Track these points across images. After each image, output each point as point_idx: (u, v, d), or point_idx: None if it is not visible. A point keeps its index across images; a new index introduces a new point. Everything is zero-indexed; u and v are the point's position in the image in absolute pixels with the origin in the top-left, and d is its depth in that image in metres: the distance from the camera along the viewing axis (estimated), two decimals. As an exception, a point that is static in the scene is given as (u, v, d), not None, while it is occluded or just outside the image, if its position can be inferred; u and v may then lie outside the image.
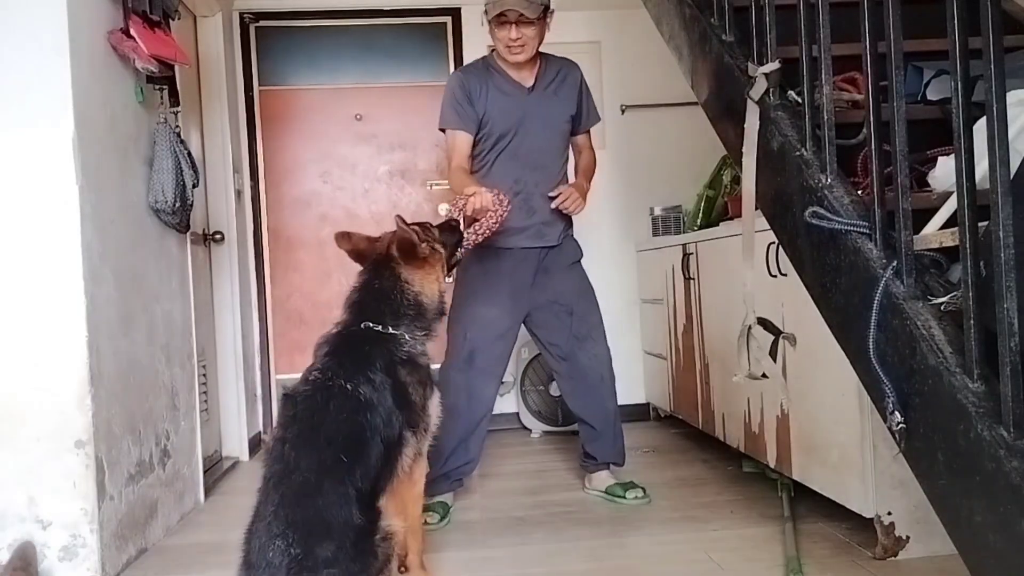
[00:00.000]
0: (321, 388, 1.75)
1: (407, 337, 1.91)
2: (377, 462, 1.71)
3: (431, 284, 2.00)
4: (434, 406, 1.97)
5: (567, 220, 2.82)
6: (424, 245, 1.97)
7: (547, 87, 2.76)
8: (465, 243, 2.28)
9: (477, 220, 2.37)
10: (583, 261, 2.87)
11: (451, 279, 2.44)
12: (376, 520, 1.67)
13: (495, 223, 2.39)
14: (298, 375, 1.88)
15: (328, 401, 1.72)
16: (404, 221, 1.95)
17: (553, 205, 2.68)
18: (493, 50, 2.77)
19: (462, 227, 2.31)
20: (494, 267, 2.70)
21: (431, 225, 2.16)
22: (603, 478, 2.82)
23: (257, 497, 1.68)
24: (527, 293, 2.74)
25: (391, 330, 1.89)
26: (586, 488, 2.88)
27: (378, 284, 1.95)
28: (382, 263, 1.97)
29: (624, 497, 2.70)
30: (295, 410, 1.73)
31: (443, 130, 2.76)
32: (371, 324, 1.89)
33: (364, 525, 1.62)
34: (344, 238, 2.07)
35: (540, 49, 2.74)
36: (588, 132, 2.91)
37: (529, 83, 2.74)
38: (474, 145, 2.72)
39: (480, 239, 2.36)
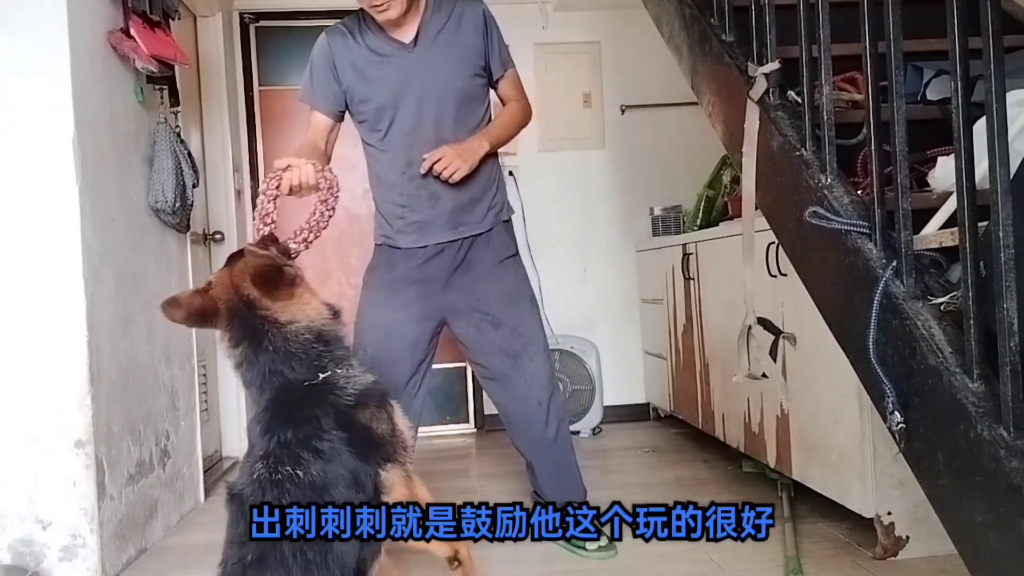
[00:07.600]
0: (269, 486, 1.44)
1: (339, 372, 1.57)
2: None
3: (313, 304, 1.62)
4: (400, 416, 1.65)
5: (494, 198, 2.26)
6: (286, 264, 1.60)
7: (436, 36, 2.16)
8: (293, 252, 1.78)
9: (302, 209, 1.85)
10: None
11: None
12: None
13: (328, 211, 1.85)
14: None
15: (281, 500, 1.42)
16: (257, 247, 1.60)
17: (421, 171, 2.10)
18: None
19: (270, 223, 1.85)
20: (401, 266, 2.23)
21: (266, 239, 1.76)
22: None
23: None
24: (439, 295, 2.23)
25: (321, 376, 1.55)
26: None
27: (269, 343, 1.53)
28: (247, 315, 1.54)
29: (585, 548, 2.24)
30: (246, 521, 1.41)
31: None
32: (302, 381, 1.54)
33: None
34: (172, 306, 1.59)
35: None
36: (511, 78, 2.29)
37: (410, 37, 2.14)
38: (359, 125, 2.24)
39: (313, 238, 1.84)
